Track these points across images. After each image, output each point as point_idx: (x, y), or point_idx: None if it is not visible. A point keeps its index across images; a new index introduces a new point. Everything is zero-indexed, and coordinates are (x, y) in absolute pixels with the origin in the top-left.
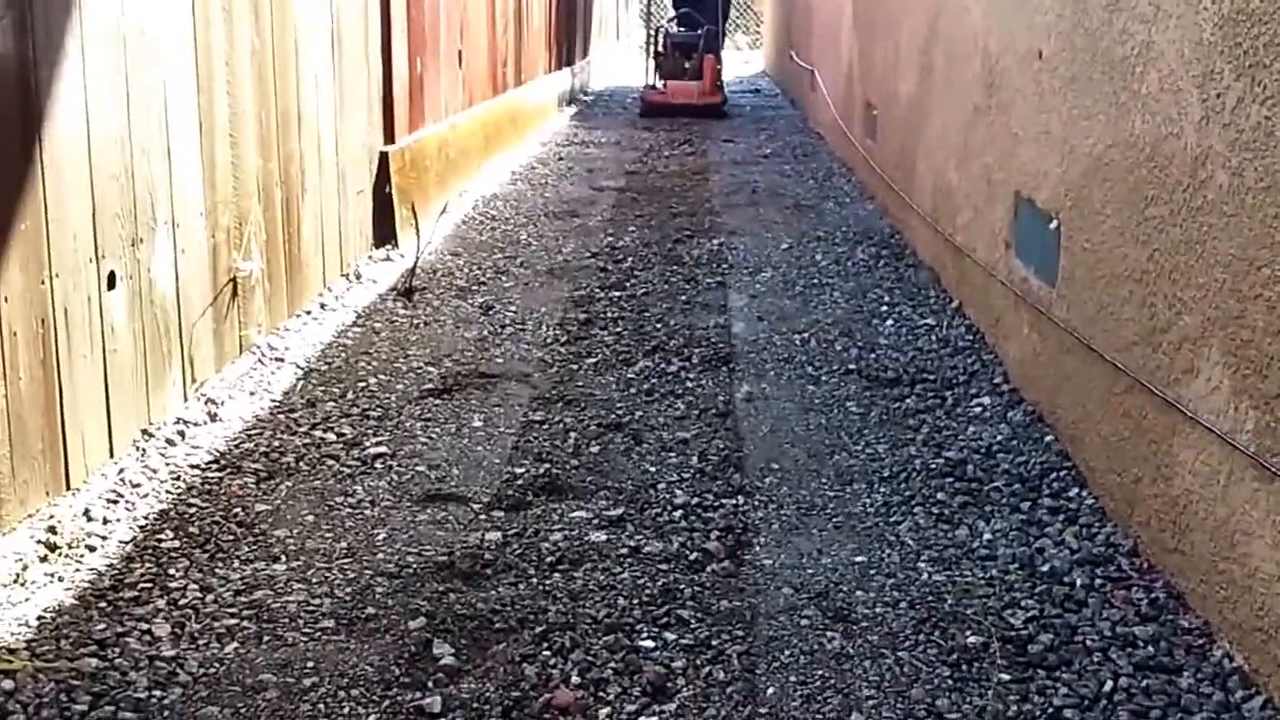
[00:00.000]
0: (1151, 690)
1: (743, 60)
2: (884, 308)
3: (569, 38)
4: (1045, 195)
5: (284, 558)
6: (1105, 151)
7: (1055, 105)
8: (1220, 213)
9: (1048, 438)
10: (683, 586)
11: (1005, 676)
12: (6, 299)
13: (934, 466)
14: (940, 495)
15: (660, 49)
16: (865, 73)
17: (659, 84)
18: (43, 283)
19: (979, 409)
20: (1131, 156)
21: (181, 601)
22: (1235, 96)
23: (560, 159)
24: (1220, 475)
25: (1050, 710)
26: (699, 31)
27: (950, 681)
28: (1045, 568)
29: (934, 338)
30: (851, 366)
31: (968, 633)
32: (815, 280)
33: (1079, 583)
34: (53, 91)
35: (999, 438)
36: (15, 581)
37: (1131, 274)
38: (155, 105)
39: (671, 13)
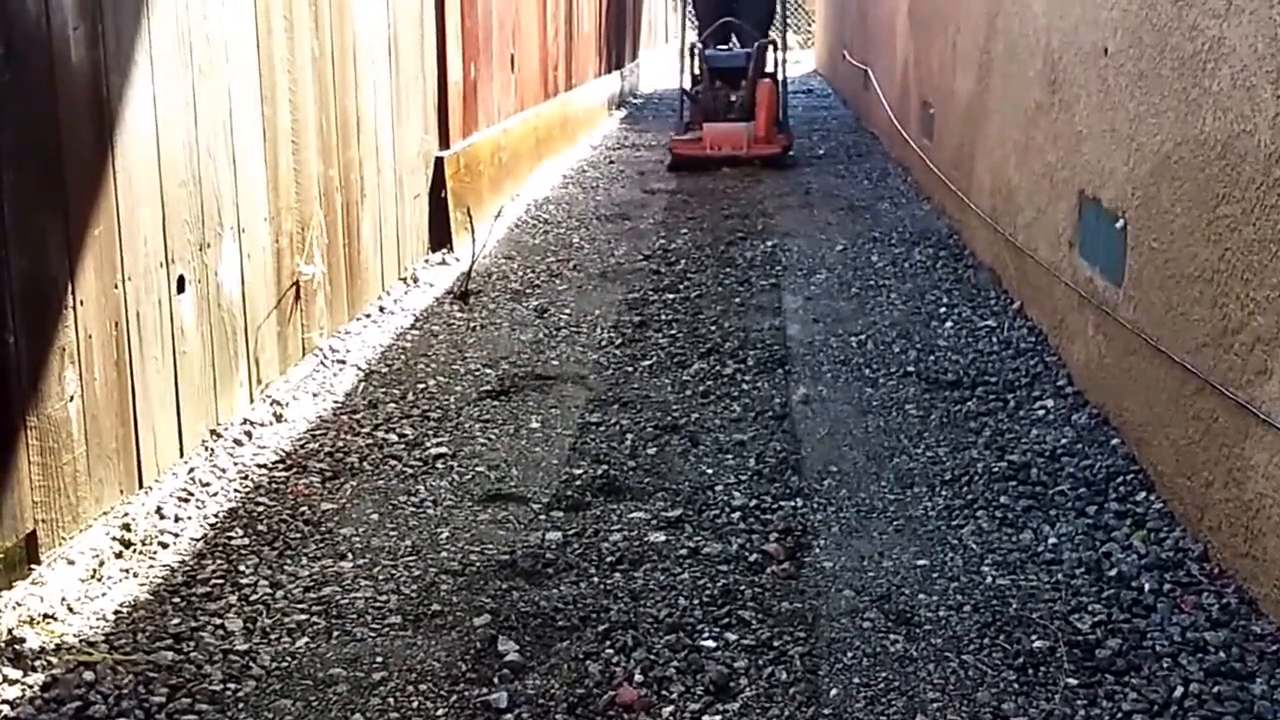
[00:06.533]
0: (1223, 696)
1: (793, 60)
2: (943, 309)
3: (618, 41)
4: (1111, 194)
5: (350, 555)
6: (1175, 149)
7: (1122, 102)
8: None
9: (1114, 441)
10: (743, 587)
11: (1072, 681)
12: (82, 302)
13: (996, 470)
14: (1003, 499)
15: (694, 75)
16: (922, 72)
17: (695, 125)
18: (116, 286)
19: (1042, 412)
20: (1202, 154)
21: (253, 597)
22: None
23: (611, 162)
24: None
25: (1119, 715)
26: (748, 49)
27: (1016, 685)
28: (1112, 572)
29: (995, 339)
30: (910, 369)
31: (1033, 637)
32: (871, 282)
33: (1147, 587)
34: (124, 100)
35: (1063, 441)
36: (92, 577)
37: (1202, 274)
38: (221, 112)
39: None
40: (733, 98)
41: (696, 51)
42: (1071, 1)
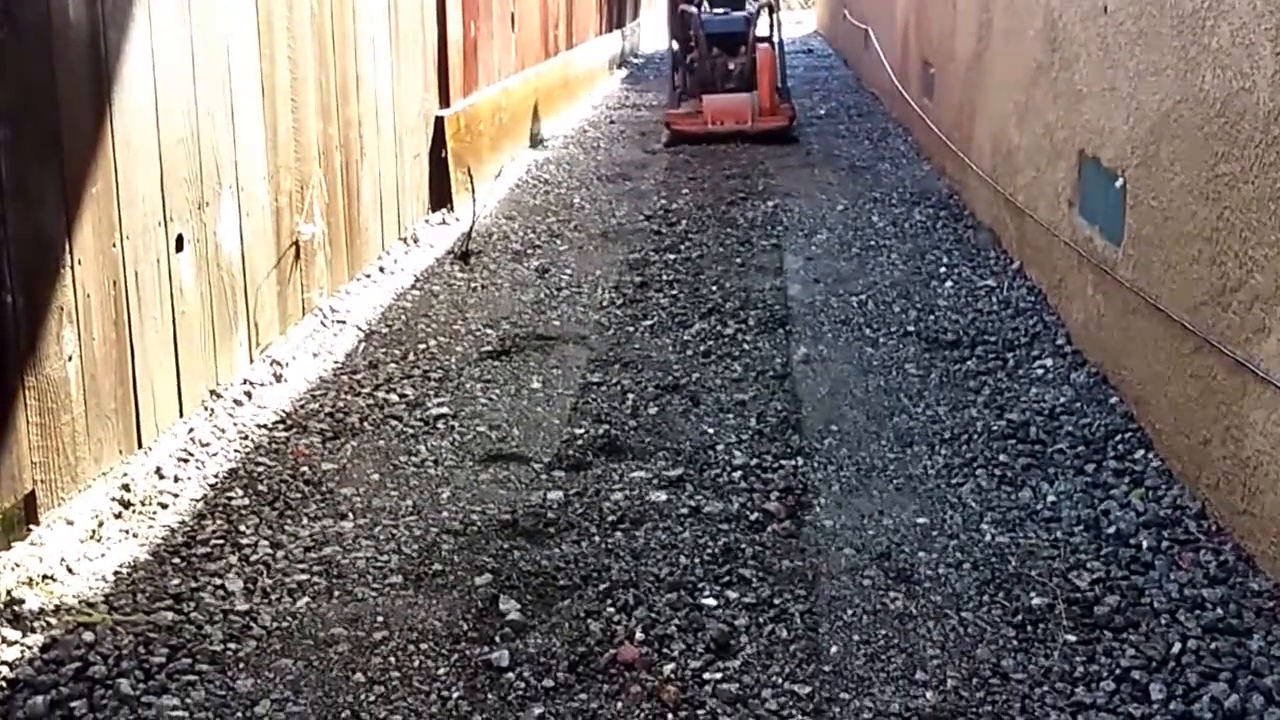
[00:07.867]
0: (1221, 653)
1: (794, 20)
2: (943, 269)
3: (619, 0)
4: (1111, 153)
5: (351, 515)
6: (1174, 107)
7: (1121, 61)
8: None
9: (1112, 399)
10: (744, 546)
11: (1071, 638)
12: (80, 261)
13: (996, 429)
14: (1002, 457)
15: (687, 41)
16: (922, 32)
17: (691, 95)
18: (114, 245)
19: (1041, 371)
20: (1201, 112)
21: (253, 557)
22: None
23: (612, 122)
24: None
25: (1117, 671)
26: (746, 11)
27: (1015, 642)
28: (1111, 530)
29: (994, 299)
30: (910, 328)
31: (1032, 594)
32: (872, 242)
33: (1145, 545)
34: (121, 56)
35: (1062, 400)
36: (92, 537)
37: (1201, 232)
38: (219, 70)
39: None
40: (731, 66)
41: (691, 16)
42: None
